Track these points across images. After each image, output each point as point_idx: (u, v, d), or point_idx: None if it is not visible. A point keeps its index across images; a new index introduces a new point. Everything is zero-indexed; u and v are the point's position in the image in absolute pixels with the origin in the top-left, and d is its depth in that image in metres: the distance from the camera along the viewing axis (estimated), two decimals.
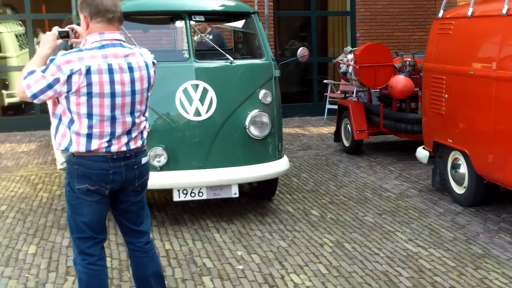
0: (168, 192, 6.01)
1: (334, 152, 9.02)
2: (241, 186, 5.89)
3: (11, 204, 6.61)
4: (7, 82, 12.69)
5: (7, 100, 12.49)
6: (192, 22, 6.35)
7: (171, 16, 6.72)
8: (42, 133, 10.82)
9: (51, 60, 3.18)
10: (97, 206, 3.37)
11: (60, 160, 8.16)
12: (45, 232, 5.64)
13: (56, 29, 3.41)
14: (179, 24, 7.19)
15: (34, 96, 3.19)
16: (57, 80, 3.14)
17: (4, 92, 12.50)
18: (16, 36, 13.11)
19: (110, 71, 3.20)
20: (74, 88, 3.16)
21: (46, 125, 9.04)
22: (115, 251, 5.06)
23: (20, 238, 5.48)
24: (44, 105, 9.41)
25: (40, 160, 8.98)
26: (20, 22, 13.42)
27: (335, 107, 10.18)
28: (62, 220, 5.96)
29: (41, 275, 4.65)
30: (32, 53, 12.23)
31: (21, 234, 5.59)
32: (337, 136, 9.29)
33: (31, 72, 3.18)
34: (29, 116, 12.20)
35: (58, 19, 9.03)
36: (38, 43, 8.63)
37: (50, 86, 3.15)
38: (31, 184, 7.51)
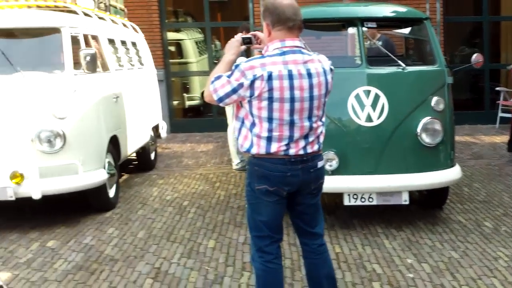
0: (338, 196, 6.07)
1: (507, 163, 8.58)
2: (410, 193, 5.81)
3: (192, 200, 7.05)
4: (188, 86, 13.50)
5: (188, 103, 13.30)
6: (364, 29, 6.37)
7: (344, 23, 6.80)
8: (218, 135, 11.36)
9: (236, 66, 3.32)
10: (275, 206, 3.47)
11: (236, 160, 8.55)
12: (223, 228, 5.95)
13: (240, 36, 3.56)
14: (351, 30, 7.25)
15: (220, 99, 3.36)
16: (241, 85, 3.28)
17: (185, 95, 13.32)
18: (196, 43, 13.89)
19: (290, 77, 3.29)
20: (256, 93, 3.28)
21: (222, 127, 9.57)
22: (287, 251, 5.21)
23: (200, 233, 5.82)
24: (221, 108, 9.90)
25: (217, 160, 9.46)
26: (199, 30, 14.21)
27: (509, 115, 9.66)
28: (238, 218, 6.26)
29: (220, 269, 4.91)
30: (210, 59, 12.91)
31: (201, 229, 5.94)
32: (511, 145, 8.82)
33: (218, 77, 3.36)
34: (207, 118, 12.87)
35: (233, 27, 9.46)
36: (215, 50, 9.09)
37: (234, 91, 3.30)
38: (210, 182, 7.95)
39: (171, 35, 13.09)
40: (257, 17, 10.31)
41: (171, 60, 12.81)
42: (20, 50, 6.40)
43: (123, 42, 8.16)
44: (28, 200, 5.83)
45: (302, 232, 3.68)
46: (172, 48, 13.19)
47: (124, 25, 8.81)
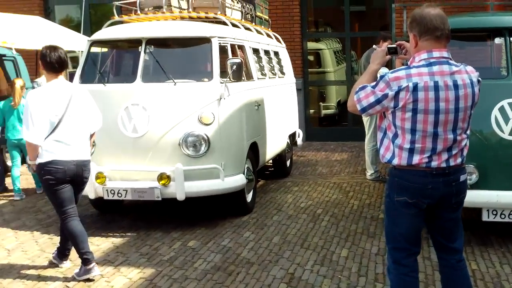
0: (476, 210, 5.83)
1: None
2: None
3: (326, 208, 7.07)
4: (324, 95, 13.54)
5: (324, 112, 13.34)
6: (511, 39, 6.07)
7: (490, 32, 6.52)
8: (353, 144, 11.31)
9: (381, 77, 3.30)
10: (414, 219, 3.41)
11: (370, 171, 8.47)
12: (356, 238, 5.92)
13: (385, 46, 3.54)
14: (498, 41, 6.94)
15: (363, 109, 3.36)
16: (385, 96, 3.25)
17: (321, 104, 13.37)
18: (334, 52, 13.91)
19: (436, 88, 3.22)
20: (400, 104, 3.24)
21: (357, 137, 9.53)
22: (421, 265, 5.08)
23: (333, 241, 5.83)
24: (357, 117, 9.85)
25: (351, 169, 9.42)
26: (338, 40, 14.21)
27: None
28: (371, 228, 6.20)
29: (352, 278, 4.88)
30: (348, 68, 12.88)
31: (335, 237, 5.94)
32: None
33: (363, 88, 3.36)
34: (342, 128, 12.84)
35: (371, 37, 9.38)
36: (352, 60, 9.05)
37: (378, 101, 3.29)
38: (343, 191, 7.93)
39: (311, 45, 13.20)
40: (397, 27, 10.17)
41: (309, 69, 12.92)
42: (172, 59, 6.75)
43: (267, 52, 8.35)
44: (172, 201, 6.13)
45: (440, 246, 3.58)
46: (311, 58, 13.30)
47: (268, 35, 9.02)
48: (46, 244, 5.87)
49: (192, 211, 6.92)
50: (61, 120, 4.78)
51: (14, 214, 7.04)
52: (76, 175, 4.89)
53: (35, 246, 5.81)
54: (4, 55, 9.17)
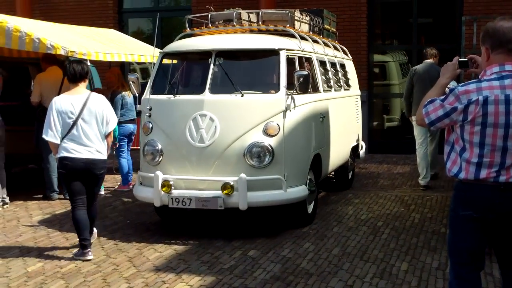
0: None
1: None
2: None
3: (386, 221, 6.98)
4: (388, 108, 13.38)
5: (387, 124, 13.18)
6: None
7: None
8: (415, 157, 11.09)
9: (451, 90, 3.25)
10: (479, 234, 3.33)
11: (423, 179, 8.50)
12: (416, 252, 5.81)
13: (456, 59, 3.48)
14: None
15: (432, 123, 3.33)
16: (454, 109, 3.21)
17: (385, 116, 13.21)
18: (400, 65, 13.72)
19: (507, 102, 3.15)
20: (469, 118, 3.19)
21: None
22: (483, 281, 4.93)
23: (393, 254, 5.74)
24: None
25: (413, 182, 9.26)
26: (404, 52, 14.01)
27: None
28: (432, 242, 6.07)
29: None
30: None
31: (395, 251, 5.85)
32: None
33: (431, 101, 3.32)
34: (405, 140, 12.62)
35: (439, 50, 9.21)
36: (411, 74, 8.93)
37: (447, 115, 3.25)
38: (404, 204, 7.81)
39: (377, 57, 13.08)
40: (467, 40, 9.96)
41: (374, 82, 12.78)
42: (240, 71, 6.83)
43: (333, 64, 8.34)
44: (234, 210, 6.18)
45: (505, 262, 3.47)
46: (377, 70, 13.17)
47: (335, 47, 9.00)
48: (112, 249, 6.02)
49: (253, 220, 6.96)
50: (75, 123, 5.56)
51: None
52: (86, 172, 5.65)
53: (101, 251, 5.96)
54: None
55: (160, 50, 7.11)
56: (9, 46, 7.77)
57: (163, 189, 6.19)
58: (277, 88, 6.42)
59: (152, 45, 10.70)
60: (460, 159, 3.29)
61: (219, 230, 6.61)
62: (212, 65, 6.48)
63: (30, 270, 5.38)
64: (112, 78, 8.88)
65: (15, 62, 9.40)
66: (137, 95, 6.98)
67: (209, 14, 7.44)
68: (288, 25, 7.30)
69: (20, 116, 8.89)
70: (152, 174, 6.28)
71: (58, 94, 7.94)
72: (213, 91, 6.37)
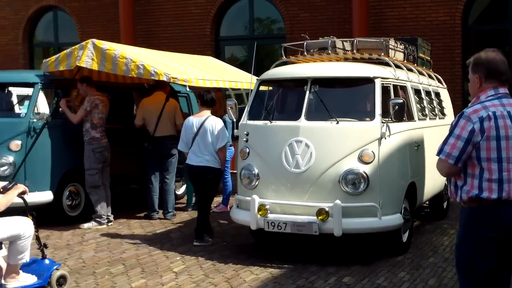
0: None
1: None
2: None
3: None
4: None
5: None
6: None
7: None
8: None
9: (459, 116, 3.37)
10: (499, 254, 3.33)
11: None
12: None
13: None
14: None
15: (457, 160, 3.36)
16: (472, 132, 3.31)
17: None
18: None
19: (510, 117, 3.35)
20: (486, 134, 3.29)
21: None
22: None
23: None
24: None
25: None
26: None
27: None
28: None
29: None
30: None
31: None
32: None
33: (443, 144, 3.40)
34: None
35: None
36: None
37: (468, 141, 3.31)
38: None
39: None
40: None
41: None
42: (335, 98, 6.84)
43: (428, 93, 8.20)
44: (329, 236, 6.15)
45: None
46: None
47: (430, 76, 8.86)
48: (210, 269, 6.13)
49: (348, 247, 6.90)
50: (194, 138, 7.07)
51: (181, 240, 7.42)
52: (197, 176, 7.14)
53: (199, 271, 6.09)
54: (179, 92, 9.81)
55: (257, 77, 7.26)
56: (115, 72, 8.12)
57: (259, 212, 6.26)
58: (372, 116, 6.39)
59: (246, 71, 10.99)
60: (480, 181, 3.33)
61: (314, 255, 6.60)
62: (307, 92, 6.53)
63: (133, 286, 5.57)
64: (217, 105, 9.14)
65: (119, 87, 9.82)
66: (234, 120, 7.14)
67: (305, 43, 7.52)
68: (382, 54, 7.26)
69: (123, 138, 9.26)
70: (249, 198, 6.37)
71: (159, 118, 8.36)
72: (309, 117, 6.42)
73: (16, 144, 7.70)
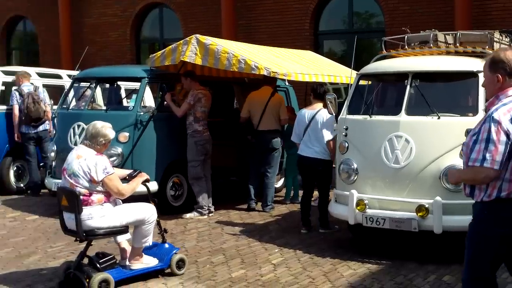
0: None
1: None
2: None
3: None
4: None
5: None
6: None
7: None
8: None
9: (489, 120, 3.31)
10: (506, 249, 3.43)
11: None
12: None
13: None
14: None
15: (500, 164, 3.29)
16: (507, 134, 3.27)
17: None
18: None
19: None
20: None
21: None
22: None
23: None
24: None
25: None
26: None
27: None
28: None
29: None
30: None
31: None
32: None
33: (484, 151, 3.30)
34: None
35: None
36: None
37: (507, 144, 3.29)
38: None
39: None
40: None
41: None
42: (436, 93, 6.65)
43: None
44: (428, 233, 6.00)
45: None
46: None
47: None
48: (308, 263, 6.14)
49: (448, 245, 6.69)
50: (306, 129, 7.39)
51: (279, 232, 7.49)
52: (307, 167, 7.41)
53: (297, 263, 6.11)
54: (279, 86, 9.87)
55: (357, 72, 7.17)
56: (216, 66, 8.28)
57: (358, 207, 6.20)
58: (475, 111, 6.15)
59: (344, 65, 10.88)
60: (502, 181, 3.34)
61: (413, 252, 6.46)
62: (408, 86, 6.38)
63: (234, 276, 5.69)
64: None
65: (220, 81, 10.01)
66: (334, 114, 7.09)
67: (405, 36, 7.34)
68: (487, 47, 6.96)
69: (224, 131, 9.45)
70: (347, 193, 6.32)
71: (263, 112, 8.48)
72: (409, 112, 6.27)
73: (124, 136, 8.03)
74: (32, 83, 9.91)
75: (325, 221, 7.42)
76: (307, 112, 7.50)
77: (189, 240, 7.04)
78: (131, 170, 5.54)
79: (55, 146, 8.65)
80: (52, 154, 8.65)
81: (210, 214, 8.35)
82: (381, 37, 7.98)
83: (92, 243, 5.38)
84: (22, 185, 10.25)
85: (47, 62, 17.28)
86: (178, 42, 8.38)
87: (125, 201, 5.38)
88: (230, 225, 7.89)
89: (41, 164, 9.99)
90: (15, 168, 10.18)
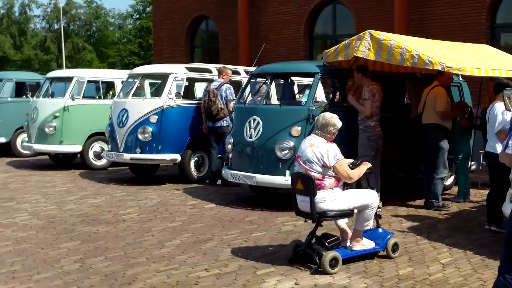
0: None
1: None
2: None
3: None
4: None
5: None
6: None
7: None
8: None
9: None
10: None
11: None
12: None
13: None
14: None
15: None
16: None
17: None
18: None
19: None
20: None
21: None
22: None
23: None
24: None
25: None
26: None
27: None
28: None
29: None
30: None
31: None
32: None
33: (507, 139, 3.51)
34: None
35: None
36: None
37: None
38: None
39: None
40: None
41: None
42: None
43: None
44: None
45: None
46: None
47: None
48: (479, 264, 5.80)
49: None
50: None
51: (448, 231, 7.16)
52: (487, 162, 7.23)
53: (467, 264, 5.80)
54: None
55: None
56: (389, 62, 8.06)
57: None
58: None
59: None
60: None
61: None
62: None
63: (401, 273, 5.53)
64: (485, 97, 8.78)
65: (391, 76, 9.76)
66: (511, 111, 6.59)
67: None
68: None
69: (394, 127, 9.21)
70: None
71: (424, 106, 8.21)
72: None
73: (296, 130, 8.13)
74: (225, 81, 10.31)
75: (498, 218, 6.96)
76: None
77: None
78: (354, 160, 5.81)
79: (232, 139, 8.97)
80: (229, 146, 8.96)
81: (378, 210, 8.15)
82: None
83: (322, 224, 5.81)
84: (201, 175, 10.82)
85: (226, 59, 18.06)
86: (351, 38, 8.29)
87: None
88: (398, 221, 7.69)
89: (218, 156, 10.46)
90: (195, 159, 10.78)
